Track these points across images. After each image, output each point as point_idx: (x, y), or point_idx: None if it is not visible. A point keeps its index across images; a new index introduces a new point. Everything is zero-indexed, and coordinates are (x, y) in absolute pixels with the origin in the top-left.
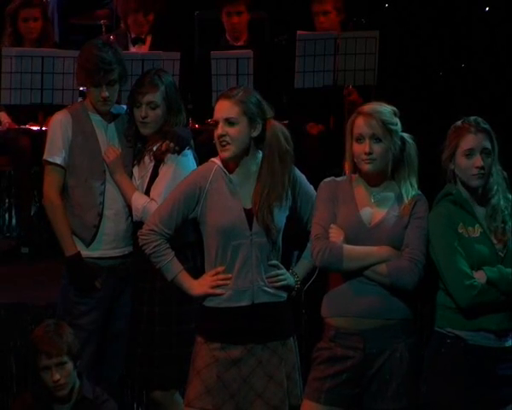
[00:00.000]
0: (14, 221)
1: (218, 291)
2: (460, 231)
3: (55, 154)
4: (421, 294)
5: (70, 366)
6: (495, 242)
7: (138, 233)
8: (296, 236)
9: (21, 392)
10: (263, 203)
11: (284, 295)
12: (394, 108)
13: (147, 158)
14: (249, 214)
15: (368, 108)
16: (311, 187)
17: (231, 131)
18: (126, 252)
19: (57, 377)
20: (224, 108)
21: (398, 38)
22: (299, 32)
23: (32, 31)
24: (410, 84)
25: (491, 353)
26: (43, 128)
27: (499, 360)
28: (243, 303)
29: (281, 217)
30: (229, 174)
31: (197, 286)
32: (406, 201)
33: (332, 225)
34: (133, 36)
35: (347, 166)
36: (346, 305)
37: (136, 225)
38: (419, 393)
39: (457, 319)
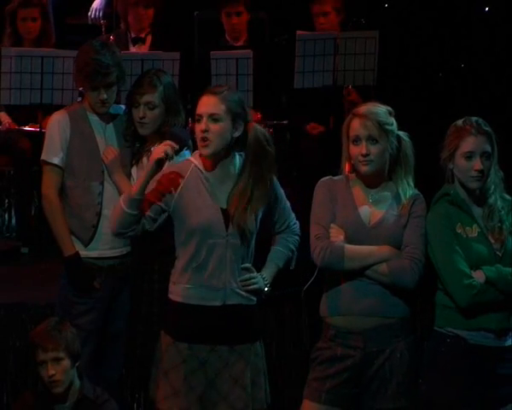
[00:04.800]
0: (14, 221)
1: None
2: (458, 231)
3: (52, 154)
4: (420, 293)
5: (67, 363)
6: (492, 241)
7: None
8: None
9: (21, 392)
10: (240, 205)
11: (254, 298)
12: (389, 108)
13: (145, 159)
14: (226, 215)
15: (363, 109)
16: (281, 189)
17: (214, 127)
18: (125, 252)
19: (52, 372)
20: (209, 104)
21: (398, 38)
22: (298, 32)
23: (31, 31)
24: (410, 85)
25: (491, 352)
26: (43, 129)
27: (499, 360)
28: (215, 303)
29: (256, 219)
30: (206, 173)
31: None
32: (404, 200)
33: (332, 225)
34: (133, 36)
35: (347, 167)
36: (345, 304)
37: None
38: (419, 392)
39: (457, 319)
